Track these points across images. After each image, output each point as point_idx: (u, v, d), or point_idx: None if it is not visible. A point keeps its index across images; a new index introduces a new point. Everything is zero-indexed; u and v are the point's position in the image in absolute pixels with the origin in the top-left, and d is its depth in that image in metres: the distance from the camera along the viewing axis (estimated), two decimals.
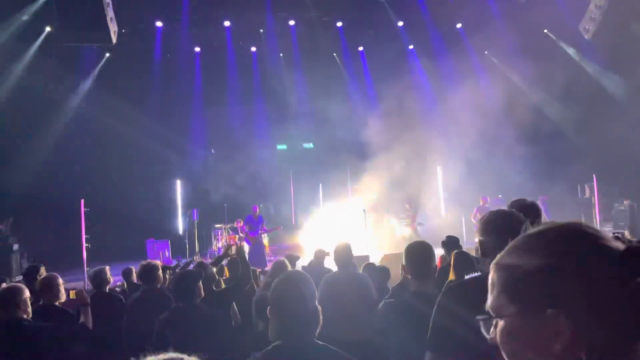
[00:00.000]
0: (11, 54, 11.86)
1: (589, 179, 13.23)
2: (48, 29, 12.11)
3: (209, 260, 11.04)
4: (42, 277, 4.24)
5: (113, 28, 9.82)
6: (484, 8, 13.34)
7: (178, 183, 12.55)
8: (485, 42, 14.82)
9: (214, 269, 5.07)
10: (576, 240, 0.80)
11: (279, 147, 16.50)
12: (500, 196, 13.45)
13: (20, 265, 10.86)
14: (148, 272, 4.41)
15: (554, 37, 14.35)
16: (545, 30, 14.37)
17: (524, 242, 0.85)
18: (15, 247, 11.22)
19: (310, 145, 15.91)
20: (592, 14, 11.59)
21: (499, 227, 1.93)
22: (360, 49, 15.78)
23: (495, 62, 14.74)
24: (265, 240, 12.79)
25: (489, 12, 13.49)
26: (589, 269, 0.76)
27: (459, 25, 14.70)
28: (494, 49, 14.92)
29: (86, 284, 8.13)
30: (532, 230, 0.86)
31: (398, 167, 13.77)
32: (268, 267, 7.21)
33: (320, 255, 6.36)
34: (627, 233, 7.72)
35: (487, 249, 1.98)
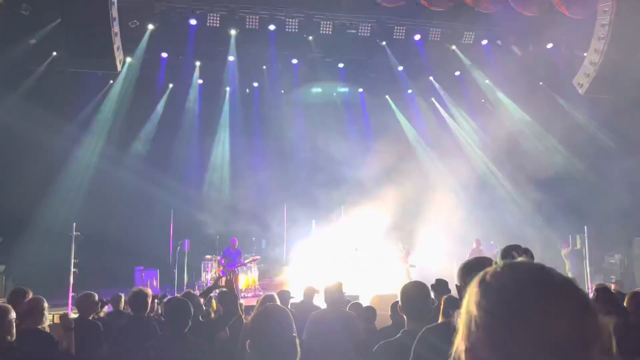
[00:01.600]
0: (15, 75, 12.05)
1: (580, 230, 13.32)
2: (54, 53, 12.37)
3: (197, 292, 10.96)
4: (27, 299, 4.20)
5: (119, 57, 10.01)
6: (483, 57, 13.73)
7: (171, 212, 12.52)
8: (480, 90, 15.23)
9: (202, 300, 5.04)
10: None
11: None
12: (492, 242, 13.48)
13: (5, 287, 10.70)
14: (138, 300, 4.38)
15: (549, 89, 14.70)
16: (541, 83, 14.75)
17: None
18: (1, 267, 11.08)
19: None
20: (586, 70, 11.91)
21: (473, 273, 1.99)
22: (360, 90, 16.10)
23: (491, 110, 15.03)
24: (255, 274, 12.70)
25: (486, 61, 13.88)
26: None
27: (457, 73, 15.08)
28: (489, 96, 15.26)
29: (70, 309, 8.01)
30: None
31: (393, 207, 13.84)
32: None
33: (309, 293, 6.34)
34: (613, 286, 7.75)
35: (462, 294, 2.04)
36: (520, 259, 0.91)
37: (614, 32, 10.89)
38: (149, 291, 4.67)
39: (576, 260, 12.77)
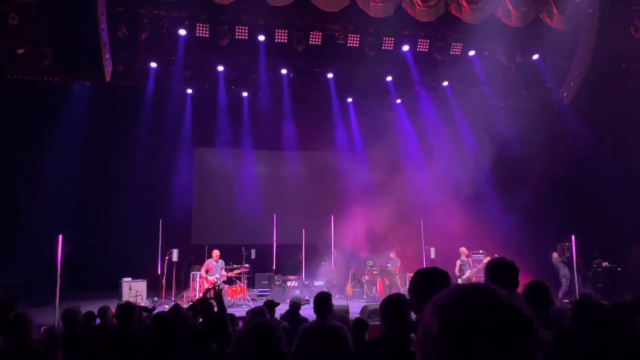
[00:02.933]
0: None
1: (567, 238, 13.42)
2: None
3: (185, 303, 10.86)
4: (13, 313, 4.14)
5: (108, 67, 9.99)
6: (470, 67, 13.88)
7: (160, 222, 12.43)
8: (468, 100, 15.39)
9: (190, 312, 5.00)
10: None
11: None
12: (481, 251, 13.54)
13: None
14: (126, 313, 4.32)
15: (533, 98, 14.87)
16: (526, 93, 14.93)
17: None
18: None
19: None
20: (572, 80, 12.09)
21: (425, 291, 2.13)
22: (349, 100, 16.19)
23: (478, 119, 15.17)
24: (244, 284, 12.64)
25: (474, 71, 14.03)
26: None
27: (445, 84, 15.22)
28: (476, 106, 15.42)
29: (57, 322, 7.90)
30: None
31: (382, 216, 13.88)
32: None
33: (296, 304, 6.32)
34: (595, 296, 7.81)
35: (414, 309, 2.29)
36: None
37: (598, 43, 11.08)
38: (137, 303, 4.62)
39: (567, 268, 12.86)
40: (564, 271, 12.90)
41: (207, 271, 11.93)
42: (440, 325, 0.83)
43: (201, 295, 9.21)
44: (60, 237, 9.68)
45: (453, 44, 13.13)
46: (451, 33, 12.83)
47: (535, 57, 13.57)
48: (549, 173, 14.96)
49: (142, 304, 10.40)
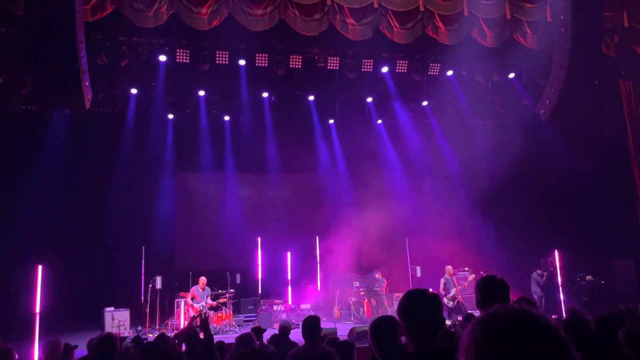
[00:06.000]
0: None
1: (550, 253, 13.57)
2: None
3: (169, 331, 10.65)
4: None
5: (87, 94, 9.93)
6: (449, 87, 14.14)
7: (143, 249, 12.24)
8: (448, 119, 15.63)
9: (176, 341, 4.90)
10: None
11: None
12: (467, 269, 13.59)
13: None
14: (106, 345, 4.21)
15: (511, 116, 15.14)
16: (503, 110, 15.21)
17: None
18: None
19: None
20: (548, 97, 12.38)
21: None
22: (331, 121, 16.31)
23: (458, 138, 15.38)
24: (230, 310, 12.46)
25: (452, 90, 14.29)
26: None
27: (424, 104, 15.46)
28: (456, 125, 15.65)
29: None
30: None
31: (367, 236, 13.87)
32: None
33: (286, 328, 6.25)
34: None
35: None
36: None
37: (571, 61, 11.39)
38: (117, 334, 4.51)
39: (537, 286, 12.82)
40: (536, 288, 12.85)
41: (192, 298, 11.76)
42: (483, 343, 0.89)
43: (186, 324, 9.04)
44: (40, 267, 9.46)
45: (431, 64, 13.37)
46: (429, 54, 13.08)
47: (511, 75, 13.88)
48: (529, 189, 15.18)
49: (125, 334, 10.19)
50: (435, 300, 2.16)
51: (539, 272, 13.08)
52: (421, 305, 2.13)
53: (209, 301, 11.92)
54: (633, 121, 13.61)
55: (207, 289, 12.04)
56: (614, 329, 3.56)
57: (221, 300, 12.33)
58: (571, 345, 0.88)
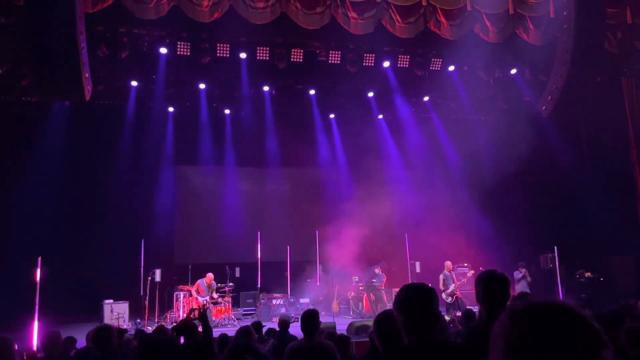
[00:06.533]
0: None
1: (550, 249, 13.56)
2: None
3: (168, 324, 10.66)
4: None
5: (87, 86, 9.88)
6: (450, 83, 14.08)
7: (142, 242, 12.23)
8: (449, 114, 15.58)
9: (174, 333, 4.88)
10: None
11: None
12: (466, 265, 13.59)
13: None
14: (103, 337, 4.20)
15: (512, 112, 15.10)
16: (505, 106, 15.16)
17: None
18: None
19: None
20: (549, 94, 12.33)
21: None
22: (332, 116, 16.26)
23: (459, 133, 15.35)
24: (229, 303, 12.47)
25: (454, 87, 14.24)
26: None
27: (426, 99, 15.40)
28: (457, 120, 15.61)
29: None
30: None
31: (367, 231, 13.86)
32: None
33: (286, 321, 6.25)
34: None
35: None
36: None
37: (573, 57, 11.33)
38: (114, 326, 4.49)
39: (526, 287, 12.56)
40: (520, 286, 12.54)
41: (197, 291, 11.80)
42: (517, 335, 0.88)
43: (185, 315, 9.04)
44: (40, 258, 9.46)
45: (433, 59, 13.32)
46: (431, 49, 13.03)
47: (513, 71, 13.82)
48: (529, 185, 15.16)
49: (124, 326, 10.19)
50: (430, 294, 2.15)
51: (521, 270, 12.78)
52: (416, 298, 2.13)
53: (214, 295, 11.94)
54: (634, 118, 13.57)
55: (214, 283, 12.10)
56: (614, 327, 3.55)
57: (217, 295, 12.33)
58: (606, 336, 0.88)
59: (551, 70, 12.25)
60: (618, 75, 13.60)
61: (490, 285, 2.66)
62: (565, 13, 11.18)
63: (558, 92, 12.02)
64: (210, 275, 12.04)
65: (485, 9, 11.08)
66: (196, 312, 4.24)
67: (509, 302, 2.71)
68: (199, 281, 12.05)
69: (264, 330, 6.68)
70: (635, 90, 13.66)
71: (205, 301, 11.54)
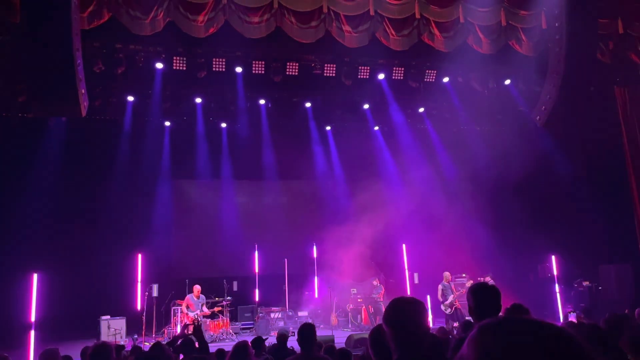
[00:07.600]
0: None
1: (547, 259, 13.58)
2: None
3: (166, 339, 10.59)
4: None
5: (84, 102, 9.91)
6: (445, 94, 14.18)
7: (139, 257, 12.19)
8: (444, 125, 15.66)
9: (171, 349, 4.86)
10: None
11: None
12: (464, 275, 13.58)
13: None
14: (100, 354, 4.17)
15: (507, 122, 15.20)
16: (499, 117, 15.26)
17: None
18: None
19: None
20: (543, 104, 12.41)
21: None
22: (328, 128, 16.33)
23: (454, 144, 15.42)
24: (227, 318, 12.40)
25: (449, 98, 14.33)
26: None
27: (421, 110, 15.49)
28: (453, 131, 15.69)
29: None
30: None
31: (364, 243, 13.85)
32: None
33: (284, 335, 6.22)
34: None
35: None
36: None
37: (566, 68, 11.43)
38: (112, 343, 4.48)
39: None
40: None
41: (187, 307, 11.73)
42: (482, 351, 0.87)
43: (178, 332, 8.99)
44: (35, 275, 9.41)
45: (427, 71, 13.41)
46: (425, 61, 13.12)
47: (507, 82, 13.92)
48: (526, 194, 15.19)
49: (121, 342, 10.12)
50: (418, 309, 2.14)
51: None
52: (405, 313, 2.12)
53: (204, 309, 11.88)
54: (628, 127, 13.66)
55: (202, 297, 12.00)
56: (611, 338, 3.55)
57: (217, 310, 12.26)
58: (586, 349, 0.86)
59: (544, 80, 12.34)
60: (611, 84, 13.70)
61: (482, 298, 2.68)
62: (557, 24, 11.30)
63: (552, 102, 12.10)
64: (197, 287, 11.95)
65: (478, 21, 11.19)
66: (190, 328, 4.23)
67: (501, 314, 2.73)
68: (188, 296, 11.98)
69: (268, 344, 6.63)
70: (628, 99, 13.76)
71: (196, 315, 11.46)
